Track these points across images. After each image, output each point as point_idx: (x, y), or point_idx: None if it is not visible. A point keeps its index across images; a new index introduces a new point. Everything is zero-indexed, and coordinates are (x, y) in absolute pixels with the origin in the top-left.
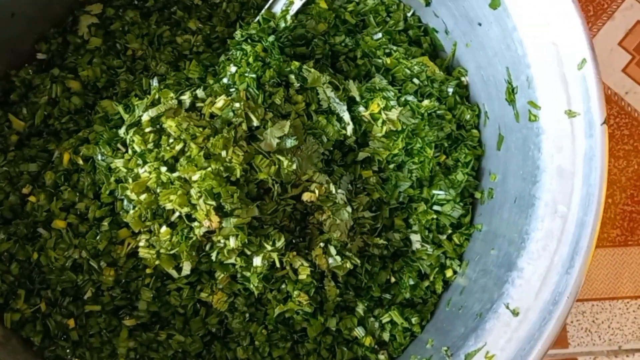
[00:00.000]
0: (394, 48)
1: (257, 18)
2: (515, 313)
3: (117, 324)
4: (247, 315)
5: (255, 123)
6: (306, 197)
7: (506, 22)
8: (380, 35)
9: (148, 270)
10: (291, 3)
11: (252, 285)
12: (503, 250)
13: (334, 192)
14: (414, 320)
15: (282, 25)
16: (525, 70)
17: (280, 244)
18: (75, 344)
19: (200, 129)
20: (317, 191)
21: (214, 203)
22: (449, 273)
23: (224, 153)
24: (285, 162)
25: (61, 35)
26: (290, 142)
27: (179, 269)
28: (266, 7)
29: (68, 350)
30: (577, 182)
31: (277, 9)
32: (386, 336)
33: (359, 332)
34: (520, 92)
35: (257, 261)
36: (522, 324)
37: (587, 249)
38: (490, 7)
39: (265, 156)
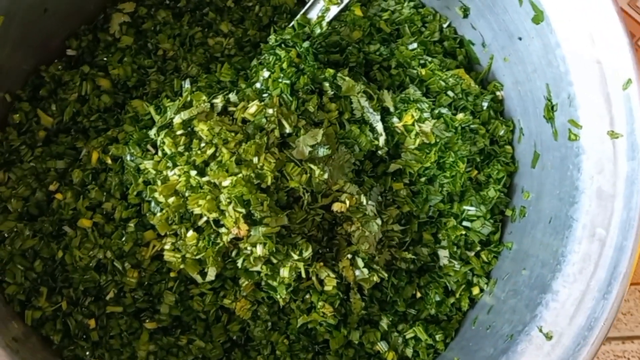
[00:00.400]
0: (429, 59)
1: (292, 23)
2: (548, 337)
3: (138, 326)
4: (269, 324)
5: (288, 130)
6: (336, 207)
7: (549, 38)
8: (415, 45)
9: (172, 274)
10: (327, 9)
11: (278, 296)
12: (536, 271)
13: (364, 203)
14: (438, 337)
15: (317, 31)
16: (567, 87)
17: (307, 254)
18: (95, 344)
19: (232, 134)
20: (347, 202)
21: (243, 211)
22: (475, 291)
23: (255, 159)
24: (317, 171)
25: (92, 32)
26: (322, 151)
27: (203, 274)
28: (302, 12)
29: (87, 351)
30: (617, 205)
31: (313, 15)
32: (409, 352)
33: (381, 346)
34: (560, 109)
35: (284, 272)
36: (555, 349)
37: (626, 275)
38: (533, 22)
39: (297, 164)
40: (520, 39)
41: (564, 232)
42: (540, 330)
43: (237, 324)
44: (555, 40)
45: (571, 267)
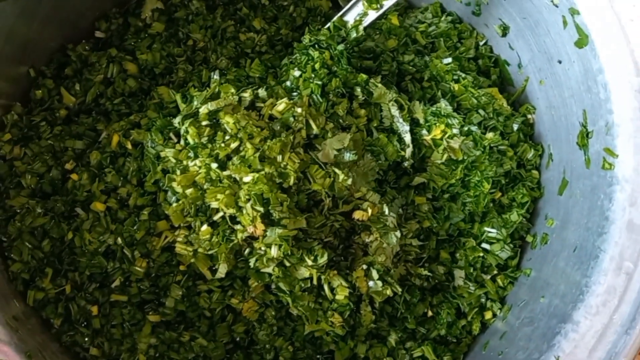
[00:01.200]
0: (463, 75)
1: (328, 25)
2: None
3: (141, 318)
4: (275, 328)
5: (315, 131)
6: (358, 215)
7: (591, 63)
8: (449, 60)
9: (181, 267)
10: (365, 14)
11: (294, 309)
12: (556, 300)
13: (386, 213)
14: (445, 358)
15: (353, 35)
16: (605, 115)
17: (322, 260)
18: (96, 332)
19: (258, 130)
20: (369, 210)
21: (261, 209)
22: (488, 315)
23: (279, 157)
24: (341, 176)
25: (122, 16)
26: (348, 156)
27: (213, 271)
28: (339, 14)
29: (87, 338)
30: None
31: (350, 19)
32: None
33: None
34: (596, 137)
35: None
36: None
37: None
38: (576, 45)
39: (322, 167)
40: (560, 62)
41: (590, 263)
42: None
43: (243, 325)
44: (599, 66)
45: (595, 299)
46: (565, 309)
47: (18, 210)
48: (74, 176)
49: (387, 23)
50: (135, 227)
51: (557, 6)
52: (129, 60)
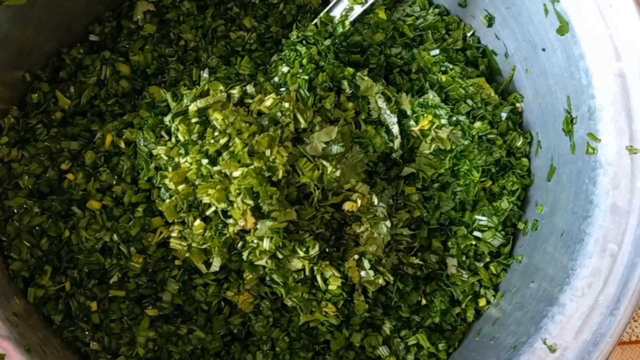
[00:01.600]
0: (450, 66)
1: (315, 21)
2: (552, 349)
3: (139, 312)
4: (271, 319)
5: (303, 125)
6: (347, 206)
7: (573, 49)
8: (437, 51)
9: (177, 262)
10: (351, 9)
11: (288, 301)
12: (544, 284)
13: (375, 203)
14: (440, 346)
15: (340, 30)
16: (588, 100)
17: (314, 251)
18: (95, 327)
19: (247, 125)
20: (359, 201)
21: (251, 203)
22: (482, 302)
23: (268, 152)
24: (330, 168)
25: (116, 19)
26: (336, 149)
27: (208, 265)
28: (325, 10)
29: (87, 333)
30: (631, 222)
31: (336, 14)
32: (410, 359)
33: (382, 351)
34: (580, 123)
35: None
36: None
37: (635, 292)
38: (558, 33)
39: (310, 160)
40: (544, 50)
41: (575, 246)
42: (544, 343)
43: (239, 317)
44: (580, 52)
45: (580, 281)
46: (553, 292)
47: (16, 211)
48: (70, 176)
49: (374, 17)
50: (130, 224)
51: None
52: (121, 61)
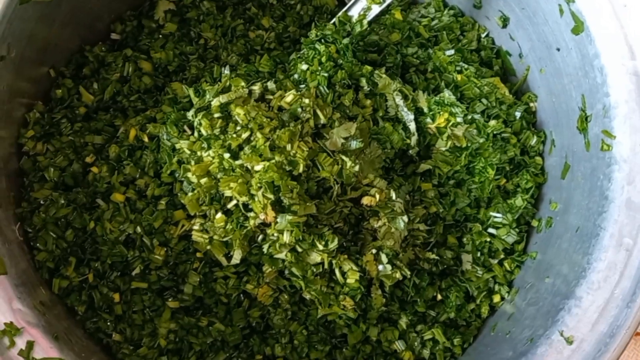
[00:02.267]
0: (465, 66)
1: (334, 20)
2: (569, 341)
3: (160, 304)
4: (289, 312)
5: (323, 121)
6: (366, 201)
7: (587, 49)
8: (452, 51)
9: (198, 255)
10: (369, 9)
11: (307, 294)
12: (559, 279)
13: (393, 198)
14: (456, 341)
15: (358, 29)
16: (602, 98)
17: (333, 245)
18: (118, 318)
19: (268, 120)
20: (377, 196)
21: (272, 197)
22: (496, 299)
23: (289, 146)
24: (349, 163)
25: (137, 18)
26: (355, 144)
27: (228, 257)
28: (344, 9)
29: (109, 324)
30: None
31: (354, 13)
32: (426, 353)
33: (399, 345)
34: (594, 120)
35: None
36: (575, 353)
37: None
38: (572, 32)
39: (330, 155)
40: (558, 49)
41: (591, 241)
42: (562, 335)
43: (258, 310)
44: (595, 51)
45: (596, 275)
46: (569, 286)
47: (42, 202)
48: (94, 169)
49: (390, 18)
50: (153, 217)
51: None
52: (143, 59)
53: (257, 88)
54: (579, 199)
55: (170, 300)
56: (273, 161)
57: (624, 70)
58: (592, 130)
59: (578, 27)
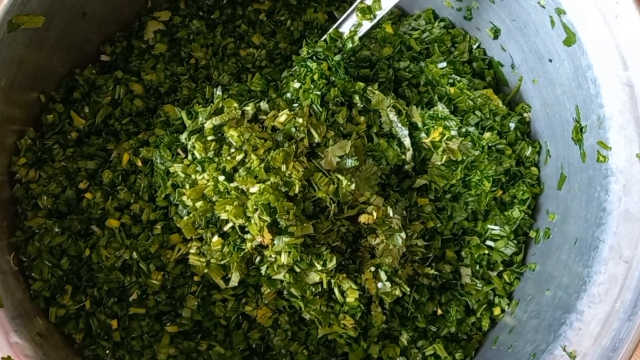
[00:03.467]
0: (458, 78)
1: (324, 37)
2: (572, 356)
3: (159, 329)
4: (289, 333)
5: (317, 140)
6: (363, 219)
7: (580, 60)
8: (444, 64)
9: (195, 278)
10: (360, 25)
11: (306, 314)
12: (560, 291)
13: (390, 215)
14: (457, 355)
15: (349, 45)
16: (597, 109)
17: (331, 264)
18: (116, 345)
19: (262, 141)
20: (374, 213)
21: (268, 219)
22: (496, 311)
23: (283, 167)
24: (345, 182)
25: (126, 39)
26: (350, 162)
27: (226, 280)
28: (334, 26)
29: (108, 351)
30: None
31: (345, 30)
32: None
33: None
34: (589, 131)
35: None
36: None
37: None
38: (564, 44)
39: (325, 174)
40: (550, 60)
41: (590, 253)
42: (564, 350)
43: (258, 331)
44: (587, 63)
45: (597, 288)
46: (569, 299)
47: (36, 231)
48: (88, 195)
49: (381, 32)
50: (149, 242)
51: (544, 7)
52: (134, 81)
53: (249, 109)
54: (576, 210)
55: (168, 325)
56: (268, 183)
57: (618, 81)
58: (587, 141)
59: (570, 39)
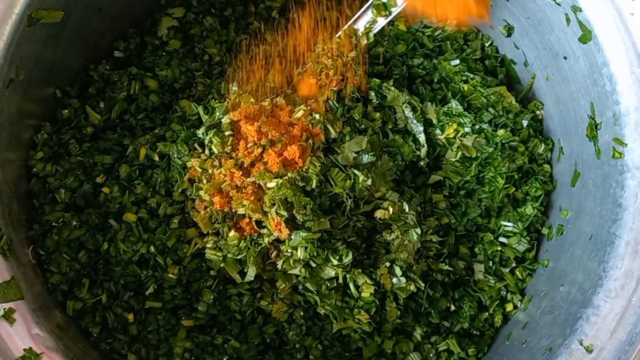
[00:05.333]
0: (471, 75)
1: (339, 33)
2: (589, 350)
3: (175, 323)
4: (304, 328)
5: (333, 135)
6: (379, 214)
7: (596, 57)
8: (457, 61)
9: (212, 273)
10: (374, 22)
11: (321, 309)
12: (575, 286)
13: (406, 210)
14: (470, 351)
15: (364, 42)
16: (612, 106)
17: (347, 260)
18: (133, 338)
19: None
20: (390, 209)
21: (286, 214)
22: (509, 307)
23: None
24: (361, 177)
25: (139, 35)
26: (367, 158)
27: (242, 274)
28: (349, 23)
29: (124, 345)
30: None
31: (360, 26)
32: None
33: (414, 357)
34: (605, 128)
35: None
36: None
37: None
38: (580, 41)
39: (342, 169)
40: (565, 58)
41: (606, 249)
42: (581, 344)
43: (273, 326)
44: (603, 60)
45: (613, 283)
46: (585, 294)
47: (54, 224)
48: (105, 189)
49: (394, 29)
50: (166, 236)
51: (559, 4)
52: (149, 77)
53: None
54: (590, 206)
55: (184, 318)
56: (286, 178)
57: (634, 78)
58: (602, 137)
59: (586, 36)
